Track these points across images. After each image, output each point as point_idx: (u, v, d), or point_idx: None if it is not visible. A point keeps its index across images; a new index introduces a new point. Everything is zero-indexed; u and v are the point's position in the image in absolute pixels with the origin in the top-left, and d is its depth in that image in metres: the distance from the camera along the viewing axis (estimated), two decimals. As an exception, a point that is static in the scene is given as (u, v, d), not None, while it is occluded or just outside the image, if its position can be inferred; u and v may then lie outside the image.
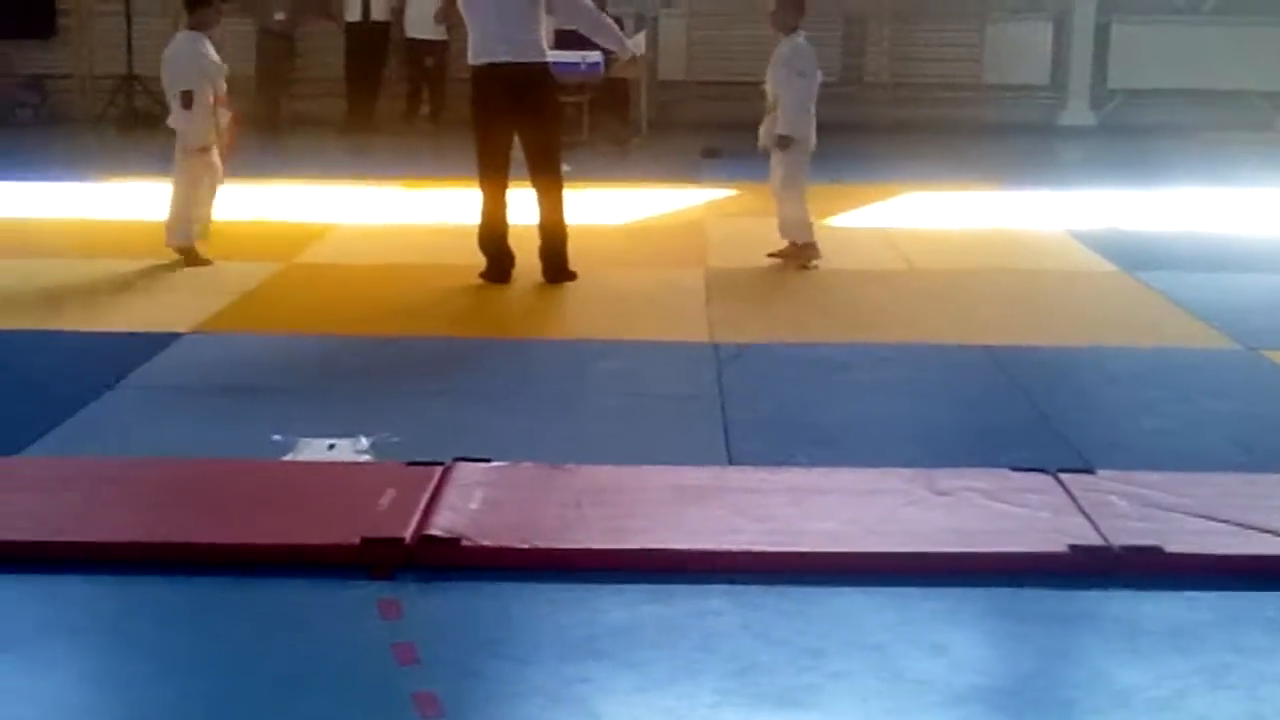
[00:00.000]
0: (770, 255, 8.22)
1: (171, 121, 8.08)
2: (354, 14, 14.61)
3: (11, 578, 3.83)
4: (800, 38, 8.16)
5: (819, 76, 8.23)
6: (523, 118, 7.44)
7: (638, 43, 14.46)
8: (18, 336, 6.51)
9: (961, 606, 3.76)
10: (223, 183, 8.23)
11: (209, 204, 8.18)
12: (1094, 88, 15.95)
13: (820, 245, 8.22)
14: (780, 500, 4.31)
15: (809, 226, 8.21)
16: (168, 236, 8.00)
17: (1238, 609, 3.75)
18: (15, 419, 5.21)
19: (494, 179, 7.55)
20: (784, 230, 8.21)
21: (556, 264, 7.64)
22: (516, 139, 7.55)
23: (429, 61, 14.59)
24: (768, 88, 8.25)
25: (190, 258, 7.94)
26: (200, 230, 8.10)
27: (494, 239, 7.60)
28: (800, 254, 8.15)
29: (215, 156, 8.07)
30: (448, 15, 14.33)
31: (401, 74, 14.96)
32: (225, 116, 8.16)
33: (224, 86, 8.14)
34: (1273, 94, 15.78)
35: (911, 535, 4.07)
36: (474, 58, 7.43)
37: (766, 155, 8.28)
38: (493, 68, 7.33)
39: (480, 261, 7.62)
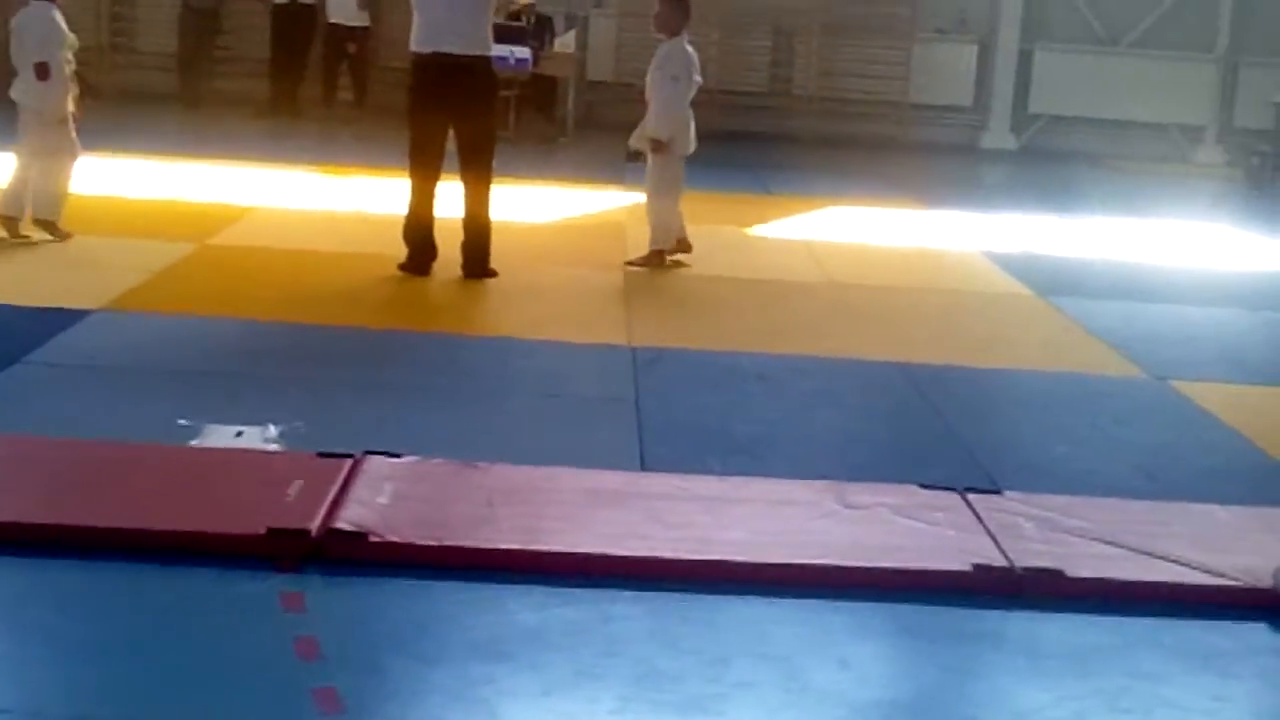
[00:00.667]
0: (629, 263, 8.24)
1: (17, 94, 7.85)
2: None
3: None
4: (682, 42, 8.19)
5: (696, 80, 8.25)
6: (462, 109, 7.39)
7: (566, 42, 14.51)
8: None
9: (867, 621, 3.78)
10: (80, 155, 8.01)
11: (69, 177, 7.97)
12: (1015, 112, 16.17)
13: (687, 248, 8.28)
14: (692, 508, 4.30)
15: (670, 231, 8.24)
16: (37, 209, 7.82)
17: (1136, 633, 3.79)
18: (-87, 391, 5.10)
19: (426, 169, 7.50)
20: (652, 234, 8.28)
21: (478, 259, 7.59)
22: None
23: (351, 48, 14.46)
24: (646, 91, 8.24)
25: (52, 230, 7.82)
26: (53, 205, 7.89)
27: (420, 229, 7.54)
28: (653, 259, 8.20)
29: (72, 128, 7.89)
30: (370, 2, 14.24)
31: (322, 58, 14.82)
32: (75, 88, 7.96)
33: (72, 59, 7.94)
34: (1189, 126, 16.07)
35: (820, 548, 4.08)
36: (418, 45, 7.36)
37: (638, 158, 8.29)
38: (438, 56, 7.28)
39: (401, 251, 7.55)
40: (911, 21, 15.76)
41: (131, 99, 14.61)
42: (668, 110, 8.13)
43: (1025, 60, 16.04)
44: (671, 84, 8.12)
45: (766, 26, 15.86)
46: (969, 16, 16.03)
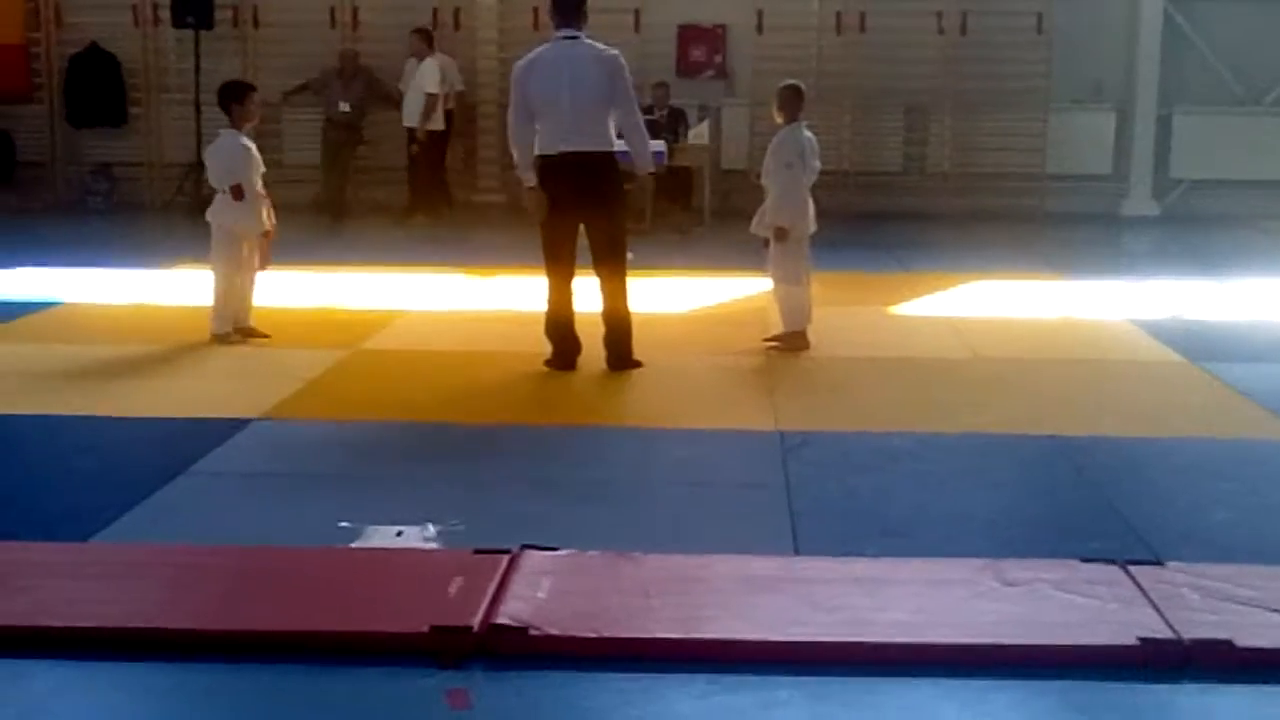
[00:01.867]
0: (767, 341, 8.36)
1: (213, 214, 8.36)
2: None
3: (80, 665, 3.85)
4: (799, 128, 8.31)
5: (814, 166, 8.35)
6: (590, 206, 7.51)
7: (699, 133, 14.67)
8: (91, 422, 6.60)
9: (1031, 699, 3.73)
10: (265, 269, 8.52)
11: (251, 290, 8.50)
12: (1156, 177, 15.94)
13: (811, 337, 8.34)
14: (848, 590, 4.29)
15: (803, 312, 8.32)
16: (214, 324, 8.32)
17: (1313, 704, 3.69)
18: (87, 504, 5.28)
19: (561, 268, 7.63)
20: (783, 318, 8.37)
21: (621, 352, 7.70)
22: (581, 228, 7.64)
23: (413, 149, 14.76)
24: (763, 179, 8.40)
25: (242, 335, 8.35)
26: (245, 315, 8.43)
27: (561, 326, 7.69)
28: (791, 340, 8.27)
29: (257, 246, 8.40)
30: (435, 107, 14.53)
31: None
32: (267, 206, 8.43)
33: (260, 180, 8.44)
34: (1336, 183, 15.70)
35: (981, 626, 4.04)
36: (544, 148, 7.47)
37: (765, 244, 8.33)
38: (564, 157, 7.40)
39: (546, 349, 7.68)
40: (1046, 92, 15.66)
41: (281, 212, 15.04)
42: (785, 197, 8.23)
43: (1164, 125, 15.83)
44: (786, 170, 8.22)
45: (899, 105, 15.87)
46: (1105, 84, 15.89)
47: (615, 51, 7.58)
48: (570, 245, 7.62)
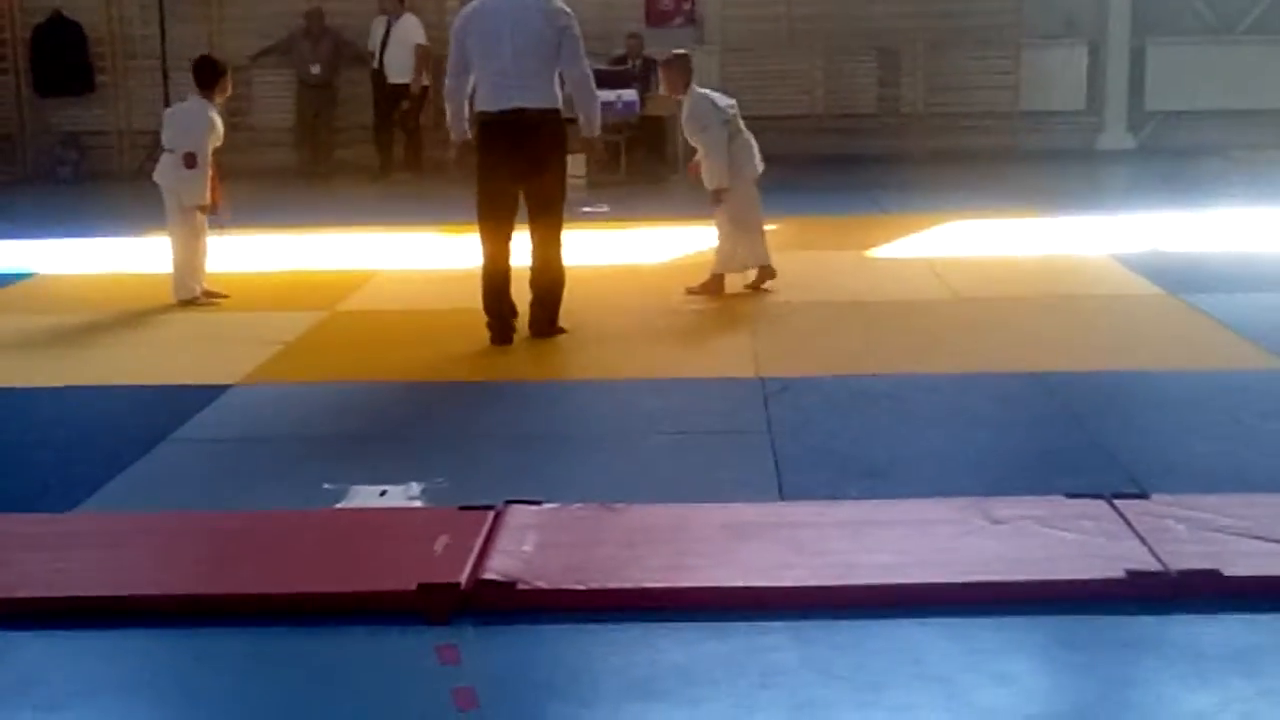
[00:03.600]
0: (689, 290, 8.37)
1: (160, 177, 8.31)
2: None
3: (69, 634, 3.84)
4: (695, 92, 8.39)
5: (726, 118, 8.41)
6: (531, 167, 7.08)
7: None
8: (68, 392, 6.56)
9: (1021, 635, 3.73)
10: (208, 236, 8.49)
11: (205, 256, 8.47)
12: (1131, 110, 15.91)
13: (770, 275, 8.43)
14: (834, 534, 4.29)
15: (733, 258, 8.39)
16: (176, 291, 8.31)
17: (1301, 630, 3.70)
18: (69, 475, 5.25)
19: (499, 230, 7.20)
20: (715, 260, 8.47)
21: (547, 316, 7.33)
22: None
23: (404, 105, 14.69)
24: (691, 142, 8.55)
25: (204, 298, 8.35)
26: (201, 279, 8.42)
27: (497, 295, 7.26)
28: (711, 286, 8.36)
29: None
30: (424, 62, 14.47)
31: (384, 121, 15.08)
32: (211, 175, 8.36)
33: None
34: (1311, 110, 15.70)
35: (968, 565, 4.04)
36: (484, 105, 7.09)
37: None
38: (505, 115, 7.02)
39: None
40: (1017, 28, 15.61)
41: (251, 176, 14.98)
42: (712, 160, 8.26)
43: (1138, 57, 15.79)
44: (703, 134, 8.25)
45: (871, 47, 15.81)
46: (1076, 18, 15.83)
47: (563, 4, 7.14)
48: (510, 208, 7.20)
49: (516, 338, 7.33)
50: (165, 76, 15.01)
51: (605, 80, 13.85)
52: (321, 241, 10.73)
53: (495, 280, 7.25)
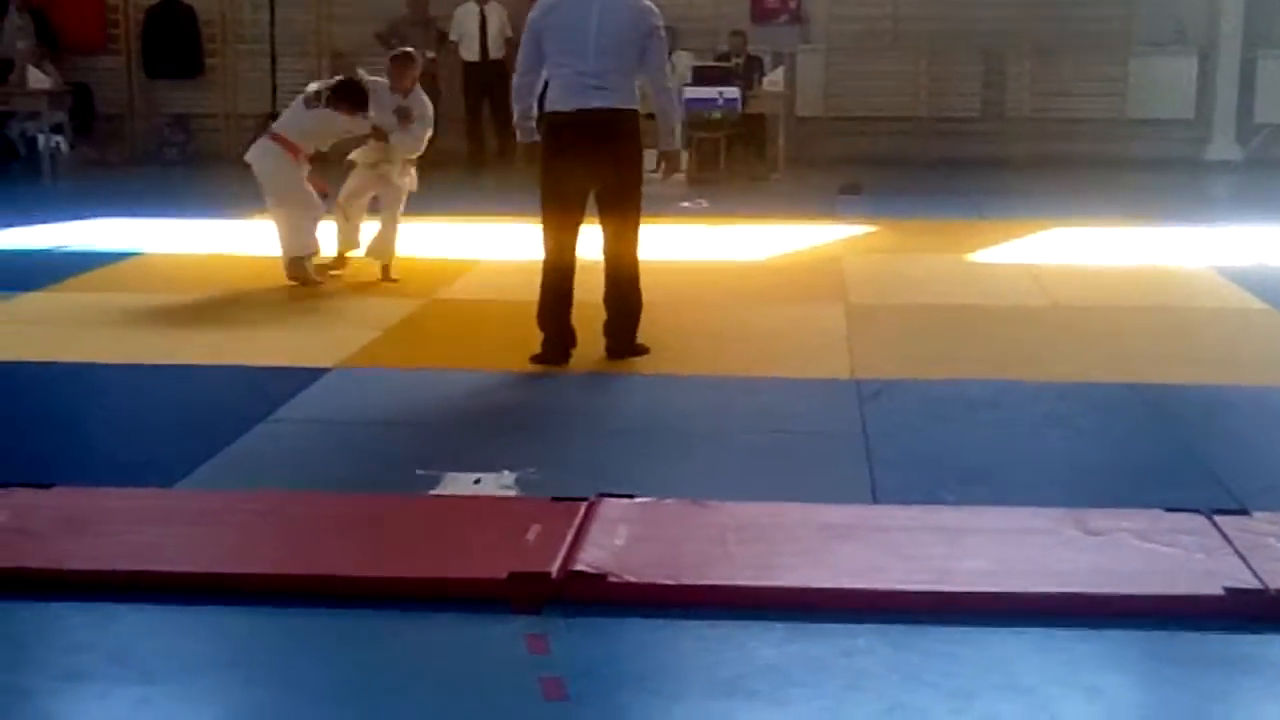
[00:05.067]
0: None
1: (254, 159, 8.61)
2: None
3: (165, 609, 3.90)
4: (418, 92, 8.67)
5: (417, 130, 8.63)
6: (606, 173, 6.55)
7: (774, 80, 14.56)
8: (172, 370, 6.67)
9: (1115, 649, 3.69)
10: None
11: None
12: (1240, 122, 15.65)
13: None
14: (928, 539, 4.26)
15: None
16: (297, 249, 8.55)
17: (1405, 654, 3.63)
18: (170, 453, 5.34)
19: (564, 238, 6.66)
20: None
21: (623, 335, 6.79)
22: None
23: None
24: None
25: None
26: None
27: (558, 309, 6.72)
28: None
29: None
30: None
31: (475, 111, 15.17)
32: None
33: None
34: None
35: (1063, 576, 3.99)
36: (557, 103, 6.56)
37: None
38: (581, 115, 6.46)
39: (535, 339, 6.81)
40: (1127, 36, 15.41)
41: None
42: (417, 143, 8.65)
43: (1248, 68, 15.52)
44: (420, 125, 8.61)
45: (976, 50, 15.67)
46: (1186, 27, 15.59)
47: (651, 4, 6.60)
48: (577, 215, 6.67)
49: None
50: (273, 60, 15.22)
51: (708, 77, 13.97)
52: (423, 230, 10.81)
53: (556, 286, 6.67)
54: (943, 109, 15.70)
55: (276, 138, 8.54)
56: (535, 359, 6.68)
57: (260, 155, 8.51)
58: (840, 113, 15.60)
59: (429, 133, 8.70)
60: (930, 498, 4.78)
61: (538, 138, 6.67)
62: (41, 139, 14.68)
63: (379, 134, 8.55)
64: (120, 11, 16.37)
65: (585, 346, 6.75)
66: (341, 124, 8.55)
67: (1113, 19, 15.38)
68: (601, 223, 6.68)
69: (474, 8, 14.92)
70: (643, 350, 6.83)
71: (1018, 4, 15.48)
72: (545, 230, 6.68)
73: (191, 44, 16.27)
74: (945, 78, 15.69)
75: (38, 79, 14.76)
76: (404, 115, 8.55)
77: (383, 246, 8.75)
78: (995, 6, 15.49)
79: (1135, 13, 15.39)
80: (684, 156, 13.84)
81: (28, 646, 3.72)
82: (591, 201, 6.72)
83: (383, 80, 8.69)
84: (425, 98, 8.77)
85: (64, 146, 15.20)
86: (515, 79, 6.75)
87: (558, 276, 6.68)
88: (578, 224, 6.68)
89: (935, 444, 5.49)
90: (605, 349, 6.78)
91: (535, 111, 6.73)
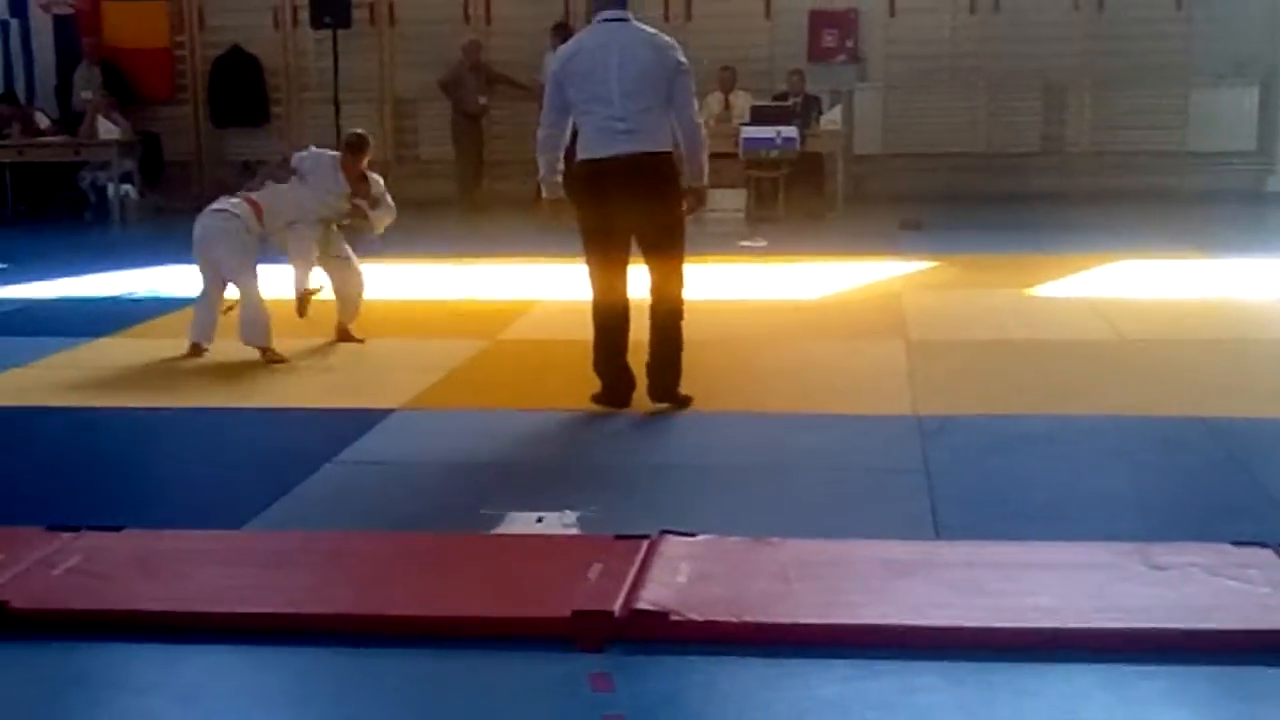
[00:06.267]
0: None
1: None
2: None
3: (233, 650, 3.95)
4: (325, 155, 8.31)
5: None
6: (644, 217, 6.42)
7: (832, 119, 14.59)
8: (240, 413, 6.76)
9: (1184, 686, 3.65)
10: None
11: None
12: (1302, 154, 15.51)
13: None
14: (991, 575, 4.24)
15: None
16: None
17: None
18: (238, 493, 5.41)
19: (613, 284, 6.53)
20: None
21: (668, 381, 6.60)
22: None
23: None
24: None
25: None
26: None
27: (614, 353, 6.61)
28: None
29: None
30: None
31: None
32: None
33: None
34: None
35: (1129, 611, 3.96)
36: (588, 151, 6.40)
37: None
38: (614, 162, 6.31)
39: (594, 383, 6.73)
40: (1186, 68, 15.33)
41: (418, 206, 15.28)
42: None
43: (1312, 100, 15.41)
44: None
45: (1035, 84, 15.63)
46: (1246, 60, 15.48)
47: (672, 40, 6.51)
48: (622, 258, 6.51)
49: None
50: (337, 108, 15.42)
51: (765, 116, 14.02)
52: (484, 272, 10.91)
53: (609, 331, 6.57)
54: (1002, 144, 15.66)
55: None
56: (596, 399, 6.65)
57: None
58: (899, 149, 15.59)
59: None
60: (994, 533, 4.75)
61: (562, 194, 6.50)
62: (111, 188, 14.94)
63: (358, 211, 8.27)
64: (188, 62, 16.65)
65: (645, 385, 6.73)
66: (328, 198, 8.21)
67: (1172, 51, 15.30)
68: (646, 264, 6.58)
69: (553, 54, 14.99)
70: (685, 401, 6.60)
71: (1077, 38, 15.45)
72: (591, 275, 6.58)
73: (257, 93, 16.52)
74: (1004, 112, 15.65)
75: (107, 129, 15.05)
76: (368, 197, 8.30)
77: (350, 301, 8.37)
78: (1054, 41, 15.45)
79: (1195, 45, 15.30)
80: (741, 195, 13.90)
81: (99, 687, 3.77)
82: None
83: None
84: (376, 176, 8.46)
85: (133, 194, 15.46)
86: (540, 132, 6.55)
87: (609, 321, 6.57)
88: (624, 266, 6.54)
89: (998, 479, 5.47)
90: (648, 390, 6.62)
91: (561, 166, 6.55)
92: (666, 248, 6.52)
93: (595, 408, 6.63)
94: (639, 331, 6.68)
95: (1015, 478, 5.50)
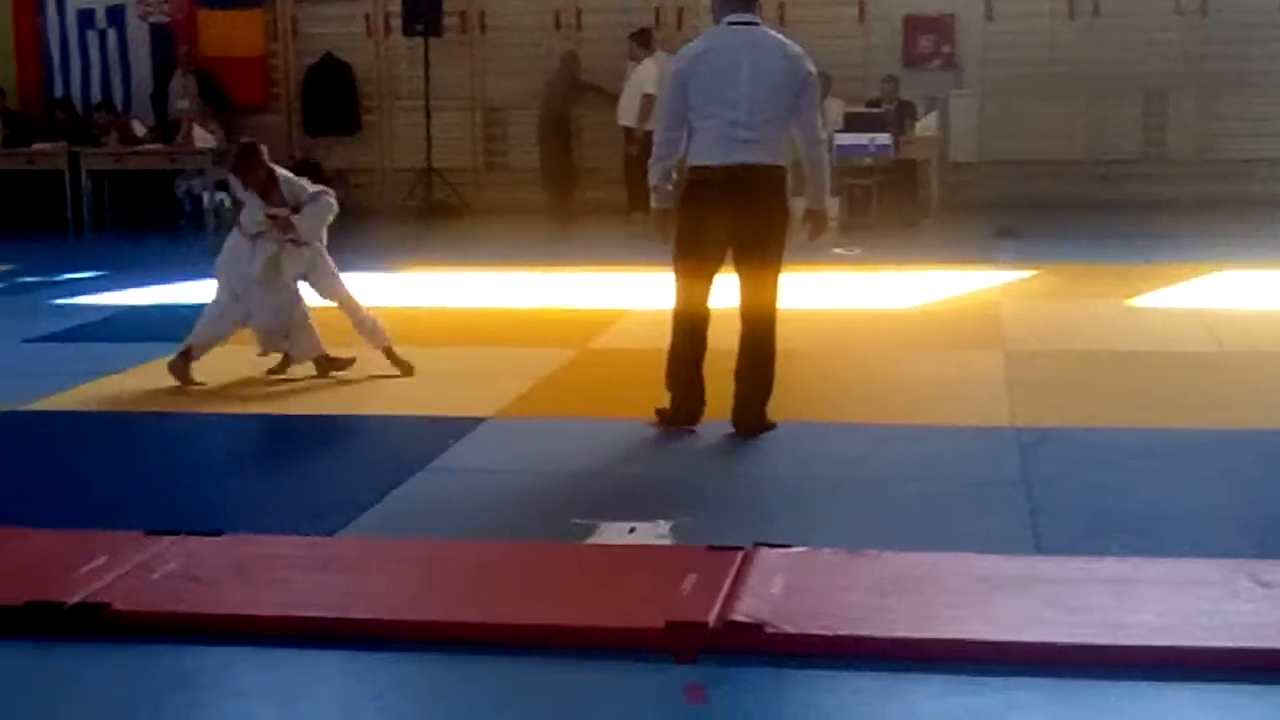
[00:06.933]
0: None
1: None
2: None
3: (328, 654, 3.95)
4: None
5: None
6: (748, 232, 6.16)
7: (927, 125, 14.46)
8: (331, 421, 6.81)
9: (1293, 708, 3.56)
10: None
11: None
12: None
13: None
14: (1093, 591, 4.15)
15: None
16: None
17: None
18: (332, 500, 5.43)
19: (699, 297, 6.29)
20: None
21: (756, 408, 6.32)
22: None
23: (631, 149, 14.67)
24: None
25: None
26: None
27: (690, 369, 6.38)
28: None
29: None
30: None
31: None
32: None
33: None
34: None
35: (1237, 629, 3.86)
36: (702, 157, 6.15)
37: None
38: (731, 171, 6.07)
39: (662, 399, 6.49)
40: (1292, 73, 15.04)
41: (509, 213, 15.36)
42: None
43: None
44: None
45: (1136, 90, 15.39)
46: (1358, 63, 15.16)
47: (801, 49, 6.28)
48: (713, 269, 6.27)
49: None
50: (428, 115, 15.53)
51: (859, 123, 13.92)
52: (574, 280, 10.91)
53: (689, 342, 6.33)
54: (1101, 151, 15.42)
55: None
56: (660, 416, 6.41)
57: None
58: (995, 157, 15.40)
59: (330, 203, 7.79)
60: (1095, 548, 4.65)
61: (672, 204, 6.29)
62: (206, 196, 15.13)
63: (282, 221, 7.53)
64: (281, 71, 16.83)
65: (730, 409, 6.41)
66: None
67: (1278, 56, 15.00)
68: (739, 277, 6.28)
69: (634, 65, 15.00)
70: (770, 426, 6.30)
71: (1179, 43, 15.20)
72: (680, 282, 6.32)
73: (349, 101, 16.66)
74: (1104, 119, 15.41)
75: (202, 137, 15.25)
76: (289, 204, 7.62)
77: (372, 328, 7.76)
78: (1156, 46, 15.21)
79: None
80: (833, 204, 13.80)
81: (198, 689, 3.80)
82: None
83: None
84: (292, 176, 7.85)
85: (228, 203, 15.63)
86: (658, 134, 6.33)
87: (691, 329, 6.31)
88: (713, 277, 6.31)
89: (1100, 493, 5.36)
90: (732, 420, 6.30)
91: (675, 175, 6.33)
92: (768, 259, 6.24)
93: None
94: (715, 341, 6.45)
95: (1118, 492, 5.38)
